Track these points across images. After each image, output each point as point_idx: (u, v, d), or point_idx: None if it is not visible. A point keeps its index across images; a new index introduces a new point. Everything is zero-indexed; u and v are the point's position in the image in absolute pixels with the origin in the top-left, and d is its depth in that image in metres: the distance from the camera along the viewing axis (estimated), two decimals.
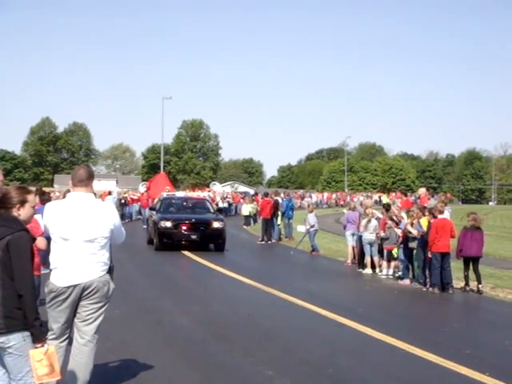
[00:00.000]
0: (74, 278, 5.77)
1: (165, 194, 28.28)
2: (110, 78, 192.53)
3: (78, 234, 5.78)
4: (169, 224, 22.63)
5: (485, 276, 15.17)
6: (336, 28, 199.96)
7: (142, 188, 42.52)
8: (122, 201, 41.62)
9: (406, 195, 23.96)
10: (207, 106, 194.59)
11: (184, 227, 22.77)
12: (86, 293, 5.82)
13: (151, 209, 26.40)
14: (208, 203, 27.31)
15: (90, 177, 6.06)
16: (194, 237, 22.75)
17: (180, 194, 32.52)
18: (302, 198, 73.27)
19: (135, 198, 42.30)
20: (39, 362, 4.77)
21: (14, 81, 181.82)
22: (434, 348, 8.96)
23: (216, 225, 22.97)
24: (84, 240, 5.79)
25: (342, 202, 79.48)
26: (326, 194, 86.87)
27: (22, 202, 5.06)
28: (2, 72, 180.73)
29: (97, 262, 5.87)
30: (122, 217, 41.83)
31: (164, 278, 16.45)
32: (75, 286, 5.77)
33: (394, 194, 71.84)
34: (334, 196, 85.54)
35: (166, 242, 22.53)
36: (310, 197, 72.23)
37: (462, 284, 15.08)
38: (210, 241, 23.29)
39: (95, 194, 6.51)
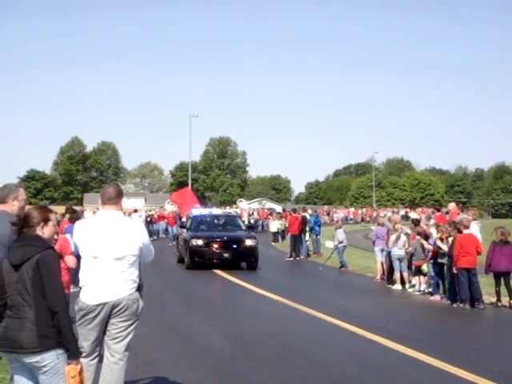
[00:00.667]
0: (103, 295, 5.80)
1: (194, 212, 28.24)
2: (137, 96, 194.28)
3: (107, 252, 5.82)
4: (200, 242, 22.28)
5: None
6: (362, 44, 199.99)
7: (169, 206, 42.45)
8: (148, 218, 41.77)
9: (439, 210, 23.77)
10: (234, 123, 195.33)
11: (216, 245, 22.38)
12: (115, 311, 5.84)
13: (181, 227, 26.00)
14: (239, 220, 27.08)
15: (119, 195, 6.11)
16: (226, 255, 22.30)
17: (216, 210, 32.20)
18: (328, 213, 73.11)
19: (163, 215, 42.34)
20: (73, 378, 4.80)
21: (43, 101, 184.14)
22: (466, 365, 8.84)
23: (249, 242, 22.64)
24: (113, 258, 5.82)
25: (368, 218, 79.28)
26: (352, 210, 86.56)
27: (45, 221, 5.09)
28: (32, 92, 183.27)
29: (126, 280, 5.90)
30: (149, 234, 42.10)
31: (192, 295, 16.47)
32: (105, 303, 5.80)
33: (420, 209, 71.58)
34: (360, 212, 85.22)
35: (198, 260, 22.17)
36: (336, 212, 71.96)
37: (494, 299, 14.89)
38: (242, 259, 22.85)
39: (124, 212, 6.56)
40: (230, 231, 24.32)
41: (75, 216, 13.01)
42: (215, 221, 25.90)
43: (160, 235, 42.25)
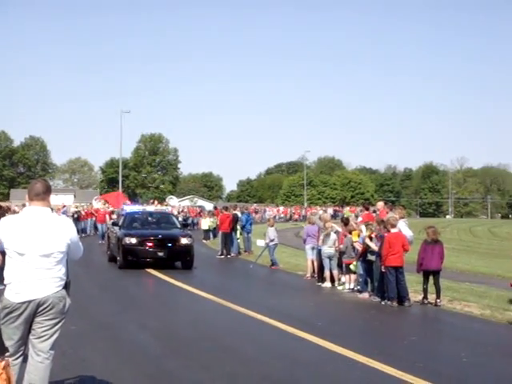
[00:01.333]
0: (28, 293, 5.67)
1: (126, 208, 27.90)
2: (67, 91, 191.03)
3: (33, 249, 5.68)
4: (134, 240, 21.47)
5: (442, 289, 15.31)
6: (292, 42, 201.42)
7: (96, 203, 41.73)
8: (76, 215, 40.36)
9: (367, 209, 24.16)
10: (166, 119, 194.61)
11: (150, 244, 21.62)
12: (41, 309, 5.71)
13: (114, 224, 25.01)
14: (174, 218, 26.40)
15: (47, 191, 5.98)
16: (160, 254, 21.52)
17: (150, 207, 31.26)
18: (256, 212, 73.20)
19: (91, 212, 41.51)
20: None
21: None
22: (392, 361, 8.99)
23: (184, 241, 21.97)
24: (40, 255, 5.70)
25: (296, 216, 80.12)
26: (282, 208, 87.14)
27: None
28: None
29: (53, 278, 5.77)
30: (77, 232, 41.52)
31: (123, 294, 16.31)
32: (30, 301, 5.67)
33: (349, 208, 72.72)
34: (289, 210, 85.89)
35: (131, 259, 21.34)
36: (265, 211, 72.11)
37: (420, 297, 15.21)
38: (177, 258, 22.20)
39: (52, 208, 6.43)
40: (164, 229, 23.71)
41: (0, 212, 12.69)
42: (149, 218, 25.25)
43: (88, 232, 41.37)
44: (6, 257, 5.83)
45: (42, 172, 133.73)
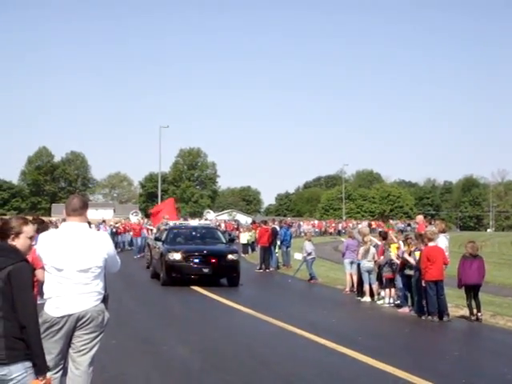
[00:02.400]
0: (68, 307, 5.70)
1: (165, 223, 27.71)
2: (107, 107, 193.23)
3: (71, 264, 5.72)
4: (178, 256, 20.60)
5: (484, 303, 15.08)
6: (331, 56, 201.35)
7: (133, 217, 41.77)
8: (114, 230, 40.65)
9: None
10: (204, 134, 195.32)
11: (195, 260, 20.71)
12: (80, 323, 5.75)
13: (156, 239, 23.96)
14: (219, 232, 25.52)
15: (84, 206, 6.02)
16: (206, 270, 20.53)
17: (194, 222, 30.47)
18: (290, 226, 72.80)
19: (128, 226, 41.44)
20: None
21: (11, 110, 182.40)
22: (433, 377, 8.87)
23: (230, 257, 21.03)
24: (78, 270, 5.73)
25: (331, 230, 79.72)
26: (316, 222, 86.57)
27: (17, 233, 5.01)
28: (1, 101, 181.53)
29: (91, 292, 5.81)
30: (114, 246, 41.36)
31: (161, 308, 16.34)
32: (69, 315, 5.71)
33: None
34: (324, 224, 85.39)
35: (175, 276, 20.48)
36: (299, 225, 71.45)
37: (461, 311, 14.97)
38: (223, 274, 21.28)
39: (90, 223, 6.48)
40: (209, 244, 22.55)
41: (41, 227, 12.80)
42: (193, 233, 24.31)
43: (125, 247, 41.26)
44: (45, 272, 5.88)
45: (82, 187, 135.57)
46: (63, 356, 5.83)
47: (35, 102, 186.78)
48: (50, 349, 5.71)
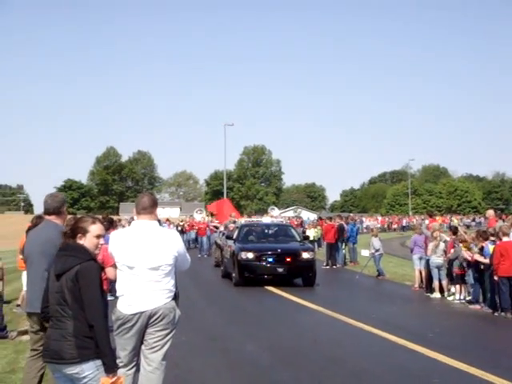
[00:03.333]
0: (140, 305, 5.77)
1: (232, 221, 27.32)
2: (172, 106, 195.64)
3: (142, 262, 5.78)
4: (251, 255, 19.78)
5: None
6: (393, 51, 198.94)
7: (197, 215, 41.43)
8: (179, 228, 40.36)
9: (431, 216, 24.94)
10: (269, 131, 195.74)
11: (269, 259, 19.86)
12: (152, 320, 5.80)
13: (228, 238, 23.08)
14: (293, 229, 24.16)
15: (154, 204, 6.08)
16: (280, 270, 19.67)
17: (266, 219, 28.83)
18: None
19: (193, 224, 40.63)
20: None
21: (79, 111, 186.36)
22: (508, 375, 8.65)
23: (306, 255, 20.01)
24: (149, 268, 5.79)
25: (395, 226, 78.75)
26: (380, 218, 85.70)
27: (85, 233, 5.09)
28: (68, 102, 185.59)
29: (162, 289, 5.86)
30: None
31: (230, 306, 16.39)
32: (142, 313, 5.77)
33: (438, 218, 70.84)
34: (386, 219, 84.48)
35: (248, 276, 19.77)
36: (361, 222, 70.56)
37: None
38: (298, 274, 20.36)
39: (159, 221, 6.53)
40: (283, 242, 21.69)
41: (110, 226, 12.98)
42: (266, 231, 23.52)
43: (190, 245, 40.26)
44: (117, 270, 5.96)
45: (149, 186, 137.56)
46: (136, 353, 5.90)
47: (102, 103, 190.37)
48: (124, 345, 5.80)
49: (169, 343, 5.96)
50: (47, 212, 6.75)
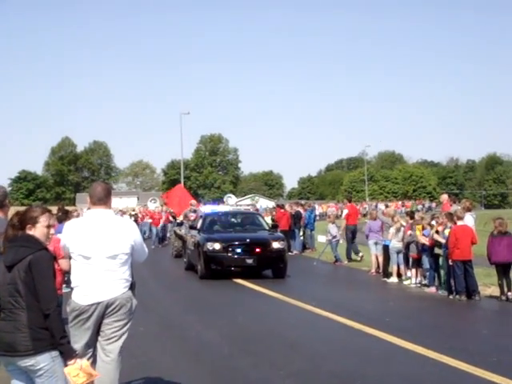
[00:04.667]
0: (96, 295, 5.70)
1: (192, 210, 26.15)
2: (127, 95, 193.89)
3: (99, 252, 5.72)
4: (218, 246, 18.46)
5: None
6: (352, 38, 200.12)
7: (152, 204, 40.55)
8: (133, 218, 37.88)
9: (350, 201, 26.80)
10: (225, 120, 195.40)
11: (237, 250, 18.58)
12: (109, 310, 5.75)
13: (191, 227, 21.41)
14: (260, 218, 22.74)
15: (108, 194, 6.02)
16: (249, 261, 18.43)
17: (227, 207, 27.80)
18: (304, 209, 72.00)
19: (147, 214, 39.50)
20: (76, 376, 4.72)
21: (33, 101, 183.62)
22: (463, 356, 8.79)
23: (276, 245, 18.77)
24: (105, 257, 5.73)
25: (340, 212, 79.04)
26: (332, 204, 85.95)
27: (34, 223, 5.01)
28: (21, 93, 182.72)
29: (119, 279, 5.81)
30: None
31: (186, 293, 16.37)
32: (98, 303, 5.71)
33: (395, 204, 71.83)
34: (340, 206, 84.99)
35: (215, 268, 18.48)
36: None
37: (489, 290, 14.84)
38: (269, 265, 19.06)
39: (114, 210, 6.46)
40: (251, 232, 20.30)
41: (62, 217, 12.82)
42: (232, 219, 22.43)
43: (145, 235, 38.49)
44: (72, 260, 5.87)
45: (105, 176, 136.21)
46: (92, 344, 5.83)
47: (56, 93, 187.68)
48: (80, 337, 5.73)
49: (126, 334, 5.92)
50: None
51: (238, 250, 18.57)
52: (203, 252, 18.55)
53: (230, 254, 18.52)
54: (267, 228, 20.95)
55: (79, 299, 5.73)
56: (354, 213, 25.77)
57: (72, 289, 5.89)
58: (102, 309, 5.72)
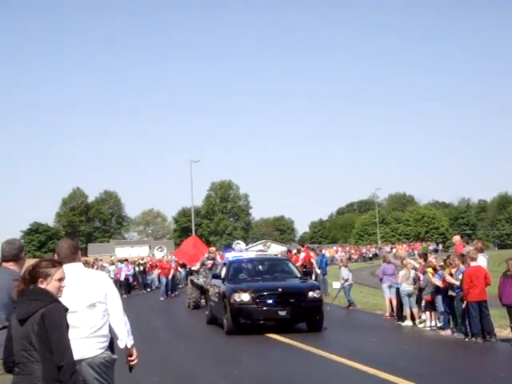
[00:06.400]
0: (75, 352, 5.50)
1: (210, 258, 25.56)
2: (136, 144, 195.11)
3: (71, 306, 5.33)
4: (246, 297, 16.61)
5: None
6: (359, 80, 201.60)
7: (159, 252, 39.53)
8: (141, 268, 37.46)
9: (303, 246, 28.08)
10: (235, 166, 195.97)
11: (269, 301, 16.78)
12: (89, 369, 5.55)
13: (214, 277, 19.53)
14: (290, 264, 20.65)
15: (75, 249, 5.99)
16: (282, 313, 16.58)
17: (251, 253, 25.66)
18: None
19: (156, 264, 37.35)
20: None
21: (43, 153, 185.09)
22: None
23: (312, 295, 16.96)
24: (85, 306, 5.62)
25: (355, 256, 79.17)
26: (340, 248, 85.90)
27: (45, 277, 5.02)
28: (31, 144, 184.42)
29: (96, 337, 5.65)
30: (144, 286, 37.55)
31: (211, 349, 16.16)
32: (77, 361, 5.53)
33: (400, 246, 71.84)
34: (347, 249, 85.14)
35: (244, 322, 16.72)
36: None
37: (505, 332, 14.66)
38: (304, 317, 17.22)
39: (87, 262, 6.39)
40: (281, 280, 18.52)
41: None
42: (259, 266, 20.33)
43: (153, 287, 37.76)
44: None
45: (117, 225, 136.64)
46: None
47: (66, 144, 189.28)
48: None
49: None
50: (5, 259, 6.63)
51: (270, 301, 16.78)
52: (230, 304, 16.79)
53: (260, 306, 16.71)
54: (298, 275, 19.04)
55: None
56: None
57: None
58: (80, 367, 5.42)
